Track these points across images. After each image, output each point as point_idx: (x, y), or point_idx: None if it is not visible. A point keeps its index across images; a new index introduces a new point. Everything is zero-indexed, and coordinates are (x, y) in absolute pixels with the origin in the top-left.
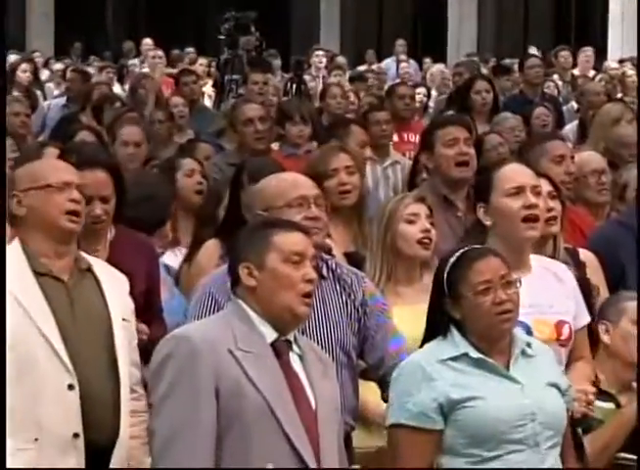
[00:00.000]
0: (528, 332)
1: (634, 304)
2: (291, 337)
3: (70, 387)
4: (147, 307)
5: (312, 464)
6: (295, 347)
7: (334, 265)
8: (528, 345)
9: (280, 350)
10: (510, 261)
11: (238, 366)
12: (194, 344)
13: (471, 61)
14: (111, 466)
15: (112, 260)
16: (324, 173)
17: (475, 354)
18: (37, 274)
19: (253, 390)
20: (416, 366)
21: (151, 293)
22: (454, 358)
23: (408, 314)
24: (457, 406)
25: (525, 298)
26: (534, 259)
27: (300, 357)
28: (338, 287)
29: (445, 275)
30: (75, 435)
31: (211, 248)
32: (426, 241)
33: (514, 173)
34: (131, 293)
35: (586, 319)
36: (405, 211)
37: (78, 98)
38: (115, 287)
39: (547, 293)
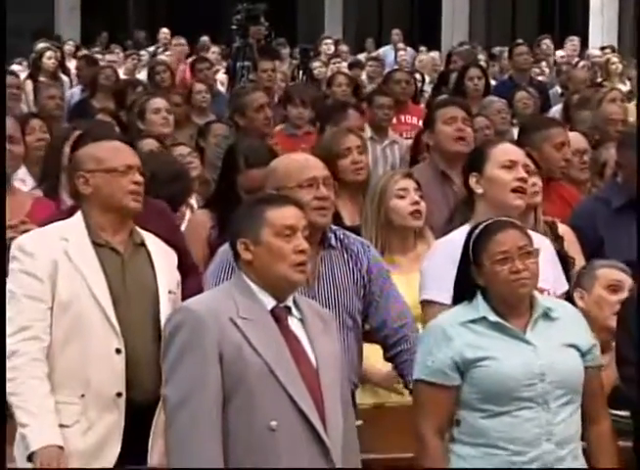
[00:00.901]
0: None
1: (605, 270)
2: (289, 303)
3: (118, 351)
4: (179, 264)
5: (316, 421)
6: (294, 311)
7: (341, 235)
8: (550, 308)
9: (279, 315)
10: None
11: (239, 333)
12: (199, 315)
13: (466, 49)
14: (153, 424)
15: None
16: (337, 153)
17: (493, 318)
18: (96, 245)
19: (254, 354)
20: (438, 328)
21: (177, 250)
22: (473, 321)
23: (403, 283)
24: (472, 365)
25: None
26: None
27: (301, 321)
28: (345, 255)
29: (471, 245)
30: (118, 394)
31: (201, 218)
32: (416, 213)
33: (508, 150)
34: None
35: (564, 287)
36: (395, 187)
37: (87, 83)
38: (165, 260)
39: None
